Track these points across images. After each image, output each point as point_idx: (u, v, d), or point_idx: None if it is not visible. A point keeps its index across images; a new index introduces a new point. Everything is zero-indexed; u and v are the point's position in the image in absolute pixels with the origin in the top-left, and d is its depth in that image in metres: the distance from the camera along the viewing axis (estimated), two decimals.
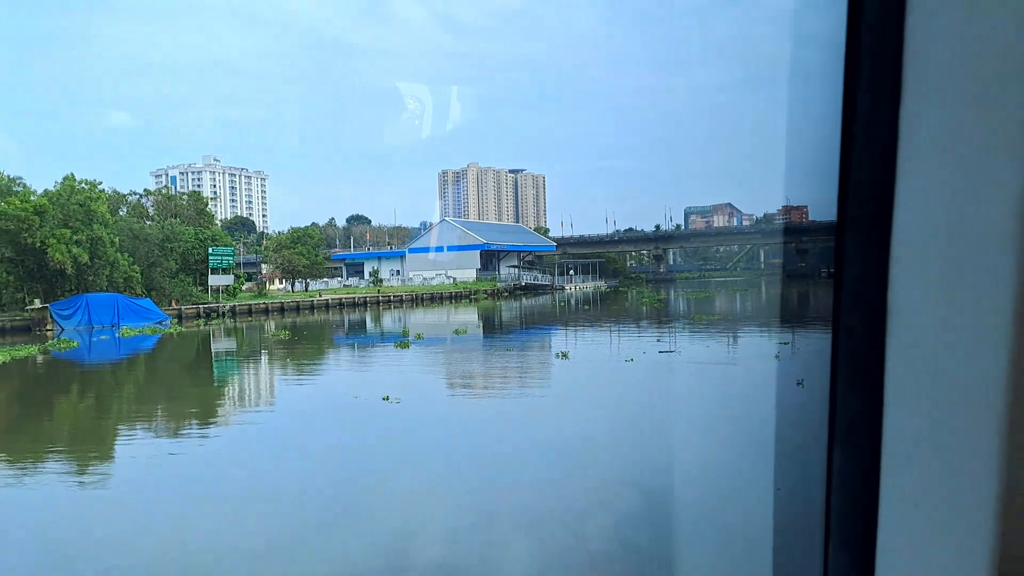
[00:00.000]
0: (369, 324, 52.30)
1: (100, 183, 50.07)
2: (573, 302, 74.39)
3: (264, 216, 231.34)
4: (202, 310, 57.90)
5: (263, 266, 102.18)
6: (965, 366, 0.85)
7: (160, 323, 49.53)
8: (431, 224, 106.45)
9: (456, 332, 36.41)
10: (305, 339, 40.30)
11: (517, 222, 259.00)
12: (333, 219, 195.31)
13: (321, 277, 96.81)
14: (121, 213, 67.12)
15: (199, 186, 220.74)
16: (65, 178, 47.34)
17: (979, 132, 0.82)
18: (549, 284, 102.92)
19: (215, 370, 28.32)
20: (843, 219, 0.99)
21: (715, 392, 16.32)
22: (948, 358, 0.87)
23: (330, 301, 72.10)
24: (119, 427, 16.89)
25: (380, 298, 78.96)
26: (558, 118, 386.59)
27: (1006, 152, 0.81)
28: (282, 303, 67.38)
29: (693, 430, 13.06)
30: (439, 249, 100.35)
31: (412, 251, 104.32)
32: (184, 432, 15.80)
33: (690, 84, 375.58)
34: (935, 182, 0.86)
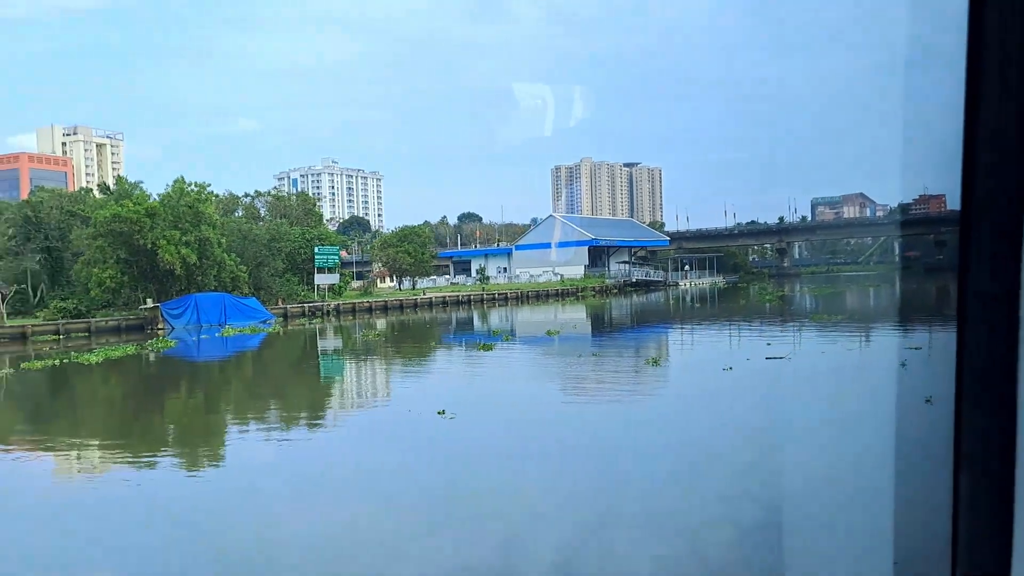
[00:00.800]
0: (465, 323, 51.18)
1: (209, 185, 51.25)
2: (685, 299, 70.99)
3: (380, 216, 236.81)
4: (307, 309, 58.50)
5: (374, 265, 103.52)
6: None
7: (264, 322, 50.13)
8: (541, 220, 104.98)
9: (548, 333, 34.40)
10: (393, 339, 39.47)
11: (631, 217, 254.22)
12: (445, 217, 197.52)
13: (428, 275, 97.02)
14: (237, 214, 69.20)
15: (318, 187, 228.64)
16: (175, 181, 48.59)
17: None
18: (662, 280, 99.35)
19: (300, 369, 27.64)
20: (968, 216, 0.88)
21: (821, 409, 13.72)
22: None
23: (433, 299, 71.68)
24: (230, 424, 16.21)
25: (484, 296, 78.03)
26: (675, 109, 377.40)
27: None
28: (385, 302, 67.39)
29: (792, 453, 10.69)
30: (546, 246, 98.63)
31: (519, 248, 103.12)
32: (297, 427, 14.95)
33: (814, 69, 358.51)
34: None
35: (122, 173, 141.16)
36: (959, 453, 0.91)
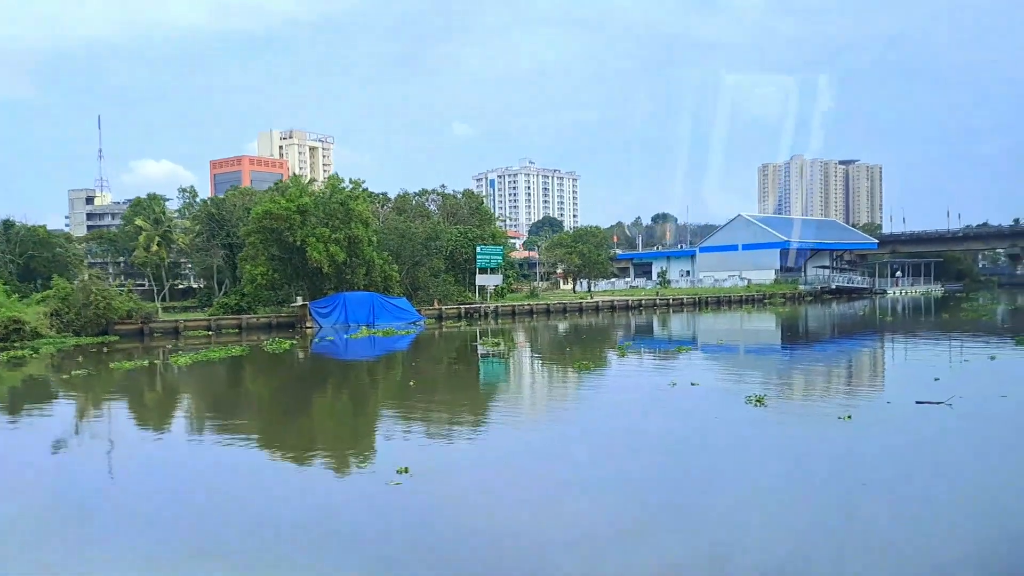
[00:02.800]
0: (618, 332, 47.26)
1: (364, 181, 51.32)
2: (885, 310, 62.29)
3: (575, 216, 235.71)
4: (463, 311, 57.36)
5: (558, 266, 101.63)
6: None
7: (414, 323, 49.41)
8: (729, 221, 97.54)
9: (679, 350, 29.93)
10: (521, 348, 36.60)
11: (847, 219, 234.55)
12: (639, 218, 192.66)
13: (606, 277, 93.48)
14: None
15: (514, 188, 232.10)
16: (330, 177, 48.93)
17: None
18: (867, 288, 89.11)
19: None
20: None
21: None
22: None
23: (600, 304, 68.24)
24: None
25: (658, 301, 73.33)
26: (901, 102, 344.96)
27: None
28: (548, 305, 64.90)
29: None
30: (732, 248, 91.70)
31: (703, 250, 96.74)
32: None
33: None
34: None
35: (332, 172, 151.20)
36: None
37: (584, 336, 45.24)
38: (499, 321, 57.25)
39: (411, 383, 22.53)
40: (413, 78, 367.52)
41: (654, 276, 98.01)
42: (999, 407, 15.53)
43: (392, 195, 72.23)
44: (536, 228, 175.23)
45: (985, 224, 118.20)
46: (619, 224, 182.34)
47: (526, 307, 63.26)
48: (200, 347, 34.69)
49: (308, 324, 46.05)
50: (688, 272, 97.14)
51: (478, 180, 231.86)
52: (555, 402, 19.25)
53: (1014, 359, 24.53)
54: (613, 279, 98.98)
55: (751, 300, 77.27)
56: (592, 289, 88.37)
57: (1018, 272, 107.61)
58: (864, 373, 23.25)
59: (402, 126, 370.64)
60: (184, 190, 67.22)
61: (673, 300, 74.13)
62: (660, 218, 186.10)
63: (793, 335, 43.27)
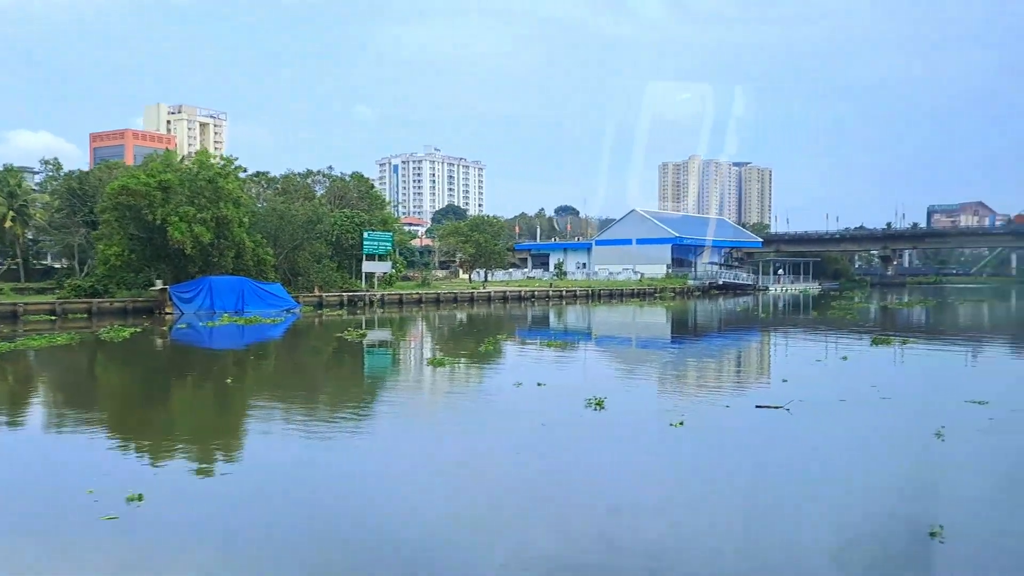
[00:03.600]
0: (501, 323, 46.28)
1: (236, 159, 48.44)
2: (766, 306, 63.78)
3: (480, 205, 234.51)
4: (346, 298, 55.22)
5: (458, 255, 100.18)
6: None
7: (288, 310, 47.05)
8: (624, 215, 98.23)
9: (550, 344, 29.02)
10: (383, 339, 35.03)
11: (739, 218, 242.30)
12: (542, 209, 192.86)
13: (503, 267, 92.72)
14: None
15: (419, 175, 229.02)
16: (198, 153, 45.88)
17: None
18: (751, 284, 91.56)
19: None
20: None
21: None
22: None
23: (493, 294, 67.30)
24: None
25: (551, 292, 72.97)
26: (790, 110, 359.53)
27: None
28: (438, 294, 63.41)
29: None
30: (626, 242, 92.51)
31: (599, 243, 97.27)
32: None
33: (943, 72, 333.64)
34: None
35: (224, 152, 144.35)
36: None
37: (463, 327, 44.07)
38: (385, 310, 55.42)
39: (228, 380, 20.48)
40: (321, 58, 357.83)
41: (551, 267, 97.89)
42: (835, 413, 15.06)
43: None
44: (440, 216, 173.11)
45: (861, 227, 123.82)
46: (523, 215, 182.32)
47: (414, 296, 61.59)
48: (36, 333, 31.55)
49: (168, 310, 43.04)
50: (584, 264, 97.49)
51: (381, 165, 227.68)
52: (351, 408, 16.75)
53: (865, 359, 24.68)
54: (511, 269, 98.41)
55: (643, 294, 78.03)
56: (489, 279, 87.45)
57: (888, 273, 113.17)
58: (718, 372, 22.81)
59: (307, 106, 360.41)
60: (47, 162, 62.02)
61: (566, 292, 73.91)
62: (563, 210, 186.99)
63: (672, 330, 43.34)
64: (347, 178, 68.57)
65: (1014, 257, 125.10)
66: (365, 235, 60.03)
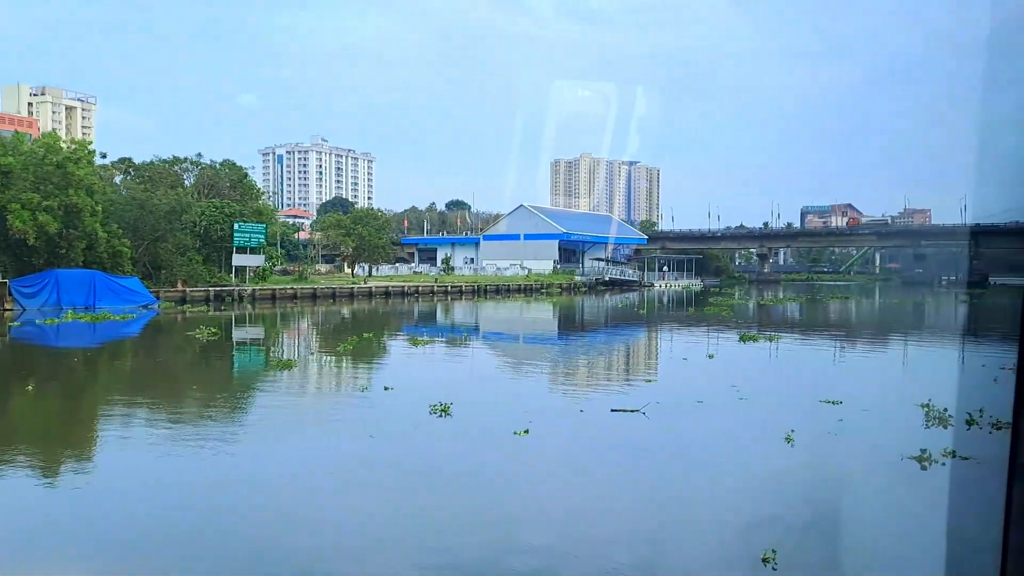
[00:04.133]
0: (377, 320, 44.67)
1: (91, 143, 44.70)
2: (648, 302, 64.65)
3: (370, 198, 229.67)
4: (213, 294, 52.12)
5: (343, 249, 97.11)
6: None
7: (146, 306, 43.85)
8: (512, 210, 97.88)
9: (415, 342, 27.68)
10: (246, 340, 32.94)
11: (629, 215, 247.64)
12: (433, 204, 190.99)
13: (388, 262, 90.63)
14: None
15: (305, 166, 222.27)
16: (45, 135, 42.03)
17: None
18: (636, 281, 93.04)
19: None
20: None
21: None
22: None
23: (374, 289, 65.26)
24: None
25: (435, 287, 71.64)
26: (677, 112, 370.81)
27: None
28: (315, 290, 60.92)
29: None
30: (514, 237, 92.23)
31: (487, 238, 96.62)
32: None
33: (818, 81, 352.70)
34: None
35: (91, 138, 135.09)
36: (1015, 463, 0.81)
37: (332, 325, 42.23)
38: (255, 306, 52.69)
39: (29, 387, 18.19)
40: (204, 44, 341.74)
41: (438, 262, 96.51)
42: (691, 415, 14.51)
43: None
44: (327, 209, 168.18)
45: (741, 227, 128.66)
46: (413, 209, 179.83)
47: (289, 291, 58.96)
48: None
49: (8, 306, 39.19)
50: (472, 260, 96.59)
51: (265, 155, 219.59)
52: (161, 417, 15.02)
53: (731, 357, 24.65)
54: (397, 264, 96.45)
55: (529, 289, 77.75)
56: (374, 274, 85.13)
57: (765, 270, 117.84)
58: (583, 373, 22.18)
59: (188, 94, 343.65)
60: None
61: (451, 287, 72.76)
62: (455, 205, 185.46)
63: (550, 327, 42.87)
64: (217, 166, 64.86)
65: (878, 256, 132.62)
66: (236, 226, 56.96)
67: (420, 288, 69.99)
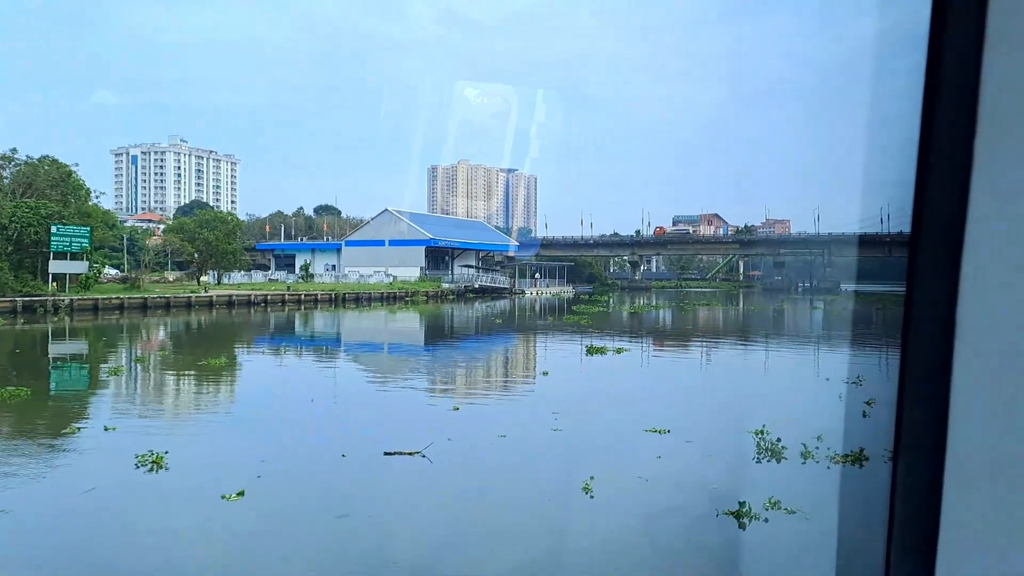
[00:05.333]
0: (195, 335, 40.26)
1: None
2: (515, 309, 62.67)
3: (233, 202, 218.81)
4: (20, 305, 46.06)
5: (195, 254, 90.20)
6: None
7: None
8: (376, 215, 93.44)
9: (210, 363, 23.86)
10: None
11: (507, 222, 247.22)
12: (301, 208, 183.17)
13: (240, 268, 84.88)
14: None
15: (162, 167, 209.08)
16: None
17: None
18: (507, 288, 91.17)
19: None
20: (916, 240, 0.97)
21: None
22: (1014, 372, 0.87)
23: (215, 298, 60.05)
24: None
25: (287, 296, 66.99)
26: (557, 121, 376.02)
27: None
28: (146, 299, 55.23)
29: None
30: (379, 243, 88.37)
31: (349, 244, 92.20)
32: None
33: (686, 95, 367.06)
34: (1007, 203, 0.85)
35: None
36: (899, 441, 0.98)
37: (139, 339, 37.50)
38: (74, 318, 46.86)
39: None
40: (56, 36, 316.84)
41: (297, 270, 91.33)
42: (479, 460, 11.84)
43: None
44: (184, 213, 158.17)
45: (615, 234, 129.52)
46: (278, 213, 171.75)
47: (114, 301, 53.05)
48: None
49: None
50: (334, 266, 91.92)
51: (118, 155, 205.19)
52: None
53: (568, 374, 22.42)
54: (254, 271, 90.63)
55: (393, 297, 74.30)
56: (225, 282, 79.30)
57: (636, 277, 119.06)
58: (382, 399, 19.20)
59: (42, 88, 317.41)
60: None
61: (305, 296, 68.26)
62: (324, 210, 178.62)
63: (395, 337, 39.78)
64: (36, 163, 58.10)
65: (741, 264, 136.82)
66: (53, 229, 50.91)
67: (269, 297, 65.27)
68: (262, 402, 17.78)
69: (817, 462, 11.48)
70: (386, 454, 11.34)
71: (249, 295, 64.09)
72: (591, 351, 26.23)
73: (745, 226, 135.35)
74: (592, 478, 9.75)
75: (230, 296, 61.96)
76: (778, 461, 11.64)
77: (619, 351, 26.80)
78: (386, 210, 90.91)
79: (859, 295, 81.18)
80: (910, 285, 0.99)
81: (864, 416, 15.26)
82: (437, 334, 42.20)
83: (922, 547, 0.96)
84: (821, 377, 21.14)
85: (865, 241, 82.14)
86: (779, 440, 12.03)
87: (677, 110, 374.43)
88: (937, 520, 0.95)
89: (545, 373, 22.15)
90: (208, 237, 74.54)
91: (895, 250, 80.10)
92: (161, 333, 40.15)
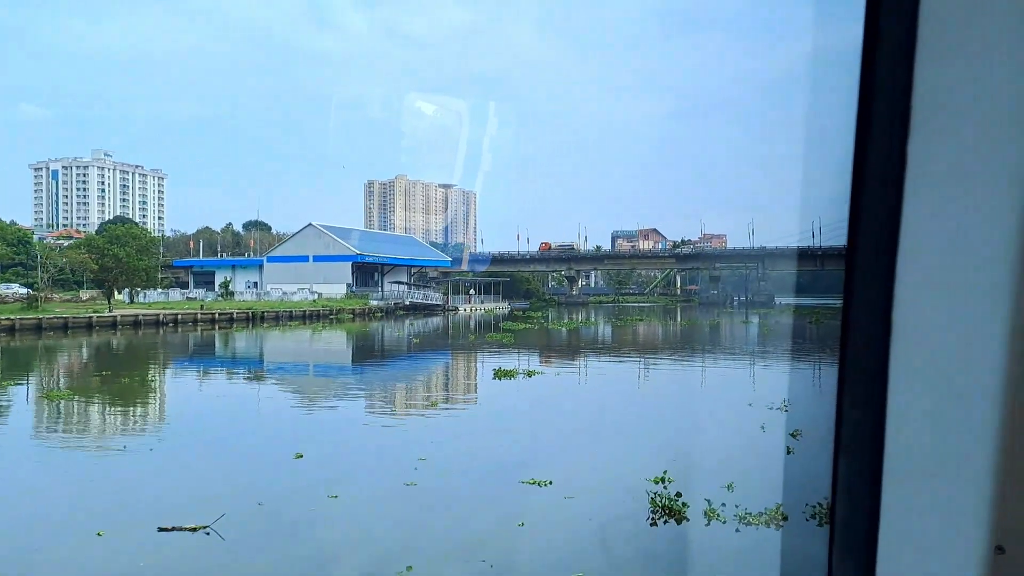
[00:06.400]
0: (69, 360, 36.59)
1: None
2: (443, 328, 60.00)
3: (160, 218, 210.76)
4: None
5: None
6: (963, 381, 0.93)
7: None
8: (299, 229, 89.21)
9: (49, 396, 20.46)
10: None
11: (447, 238, 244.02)
12: (230, 224, 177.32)
13: (154, 286, 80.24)
14: None
15: (84, 182, 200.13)
16: None
17: (981, 162, 0.91)
18: (440, 305, 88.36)
19: None
20: (853, 248, 1.04)
21: None
22: (947, 374, 0.95)
23: (120, 318, 55.92)
24: None
25: (199, 315, 62.99)
26: (498, 135, 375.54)
27: (1005, 181, 0.90)
28: (39, 320, 50.88)
29: None
30: (302, 259, 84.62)
31: (272, 260, 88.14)
32: None
33: (625, 112, 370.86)
34: (938, 214, 0.94)
35: None
36: (839, 439, 1.02)
37: (16, 366, 33.65)
38: None
39: None
40: None
41: (216, 287, 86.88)
42: (290, 531, 9.08)
43: None
44: (103, 229, 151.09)
45: (552, 249, 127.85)
46: (206, 228, 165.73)
47: (4, 323, 48.53)
48: None
49: None
50: (256, 284, 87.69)
51: (37, 170, 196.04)
52: None
53: (464, 407, 19.77)
54: (171, 289, 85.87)
55: (316, 316, 70.79)
56: (141, 300, 74.61)
57: (573, 293, 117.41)
58: (221, 446, 16.21)
59: None
60: None
61: (220, 315, 64.30)
62: (254, 225, 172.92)
63: (301, 358, 36.64)
64: None
65: (679, 278, 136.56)
66: None
67: (180, 317, 61.18)
68: (58, 454, 14.58)
69: (724, 522, 9.11)
70: (161, 530, 8.51)
71: (157, 315, 59.93)
72: (499, 375, 23.63)
73: (682, 240, 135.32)
74: (410, 568, 7.13)
75: (136, 316, 57.79)
76: (678, 522, 9.24)
77: (530, 374, 24.26)
78: (310, 224, 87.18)
79: (793, 308, 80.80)
80: (848, 293, 1.03)
81: (788, 453, 13.05)
82: (337, 357, 39.00)
83: (863, 543, 1.00)
84: (745, 401, 18.96)
85: (798, 255, 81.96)
86: (679, 496, 9.63)
87: (617, 126, 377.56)
88: (877, 516, 0.99)
89: (435, 404, 19.32)
90: (118, 253, 70.07)
91: (828, 263, 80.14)
92: (60, 356, 36.20)
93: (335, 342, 48.37)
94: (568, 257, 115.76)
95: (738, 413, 17.38)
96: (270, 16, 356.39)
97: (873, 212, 0.98)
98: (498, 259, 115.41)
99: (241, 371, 30.94)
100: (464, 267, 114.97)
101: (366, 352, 41.75)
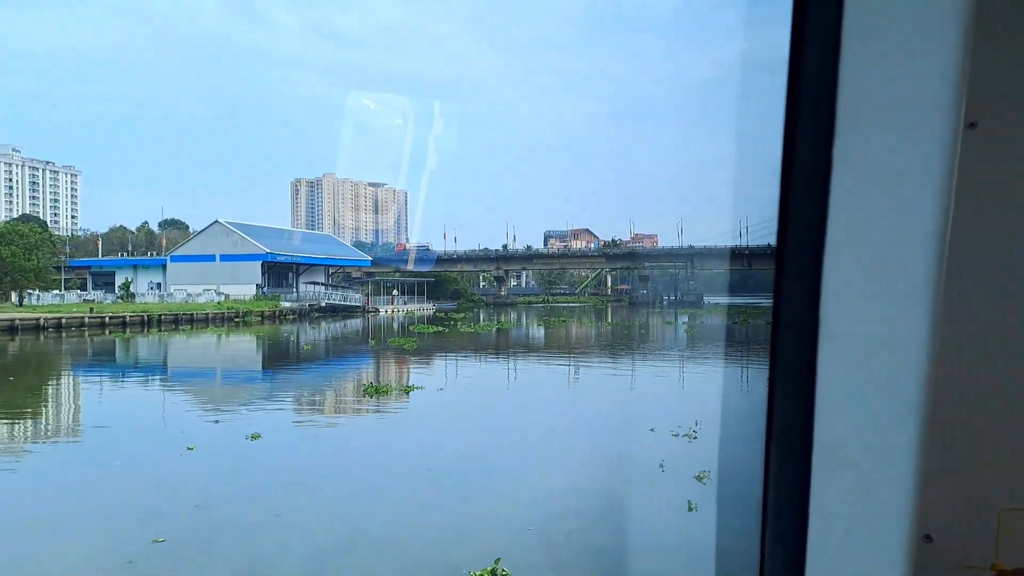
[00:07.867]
0: None
1: None
2: (355, 331, 56.21)
3: (73, 216, 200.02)
4: None
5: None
6: (888, 376, 0.99)
7: None
8: (205, 227, 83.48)
9: None
10: None
11: (377, 237, 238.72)
12: (146, 222, 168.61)
13: (49, 288, 74.24)
14: None
15: None
16: None
17: (903, 163, 0.96)
18: (360, 306, 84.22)
19: None
20: (782, 247, 1.09)
21: None
22: (873, 369, 1.00)
23: None
24: None
25: (88, 319, 57.80)
26: (428, 134, 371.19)
27: (927, 181, 0.95)
28: None
29: None
30: (209, 258, 79.34)
31: (176, 259, 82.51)
32: None
33: (556, 113, 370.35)
34: (863, 213, 0.99)
35: None
36: (770, 433, 1.07)
37: None
38: None
39: None
40: None
41: (116, 288, 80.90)
42: None
43: None
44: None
45: (484, 249, 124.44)
46: (120, 227, 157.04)
47: None
48: None
49: None
50: (159, 284, 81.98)
51: None
52: None
53: (319, 430, 16.27)
54: (70, 291, 79.57)
55: (222, 318, 66.11)
56: (34, 302, 68.48)
57: (501, 293, 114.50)
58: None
59: None
60: None
61: (111, 318, 59.15)
62: (170, 224, 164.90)
63: (174, 367, 32.47)
64: None
65: (609, 278, 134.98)
66: None
67: (64, 321, 55.90)
68: None
69: None
70: None
71: (38, 319, 54.57)
72: (369, 392, 20.13)
73: (613, 240, 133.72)
74: None
75: (12, 321, 52.27)
76: None
77: (408, 390, 20.76)
78: (217, 221, 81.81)
79: (720, 307, 79.48)
80: (777, 291, 1.07)
81: (689, 511, 10.01)
82: (207, 366, 34.87)
83: (794, 532, 1.05)
84: (647, 424, 15.98)
85: (726, 254, 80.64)
86: None
87: (548, 126, 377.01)
88: (807, 506, 1.04)
89: (255, 436, 15.26)
90: (2, 252, 64.27)
91: (755, 263, 79.10)
92: None
93: (226, 348, 44.16)
94: (497, 256, 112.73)
95: (640, 444, 14.33)
96: (194, 9, 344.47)
97: (801, 212, 1.02)
98: (422, 258, 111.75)
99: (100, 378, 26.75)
100: (411, 266, 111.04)
101: (252, 361, 37.64)
